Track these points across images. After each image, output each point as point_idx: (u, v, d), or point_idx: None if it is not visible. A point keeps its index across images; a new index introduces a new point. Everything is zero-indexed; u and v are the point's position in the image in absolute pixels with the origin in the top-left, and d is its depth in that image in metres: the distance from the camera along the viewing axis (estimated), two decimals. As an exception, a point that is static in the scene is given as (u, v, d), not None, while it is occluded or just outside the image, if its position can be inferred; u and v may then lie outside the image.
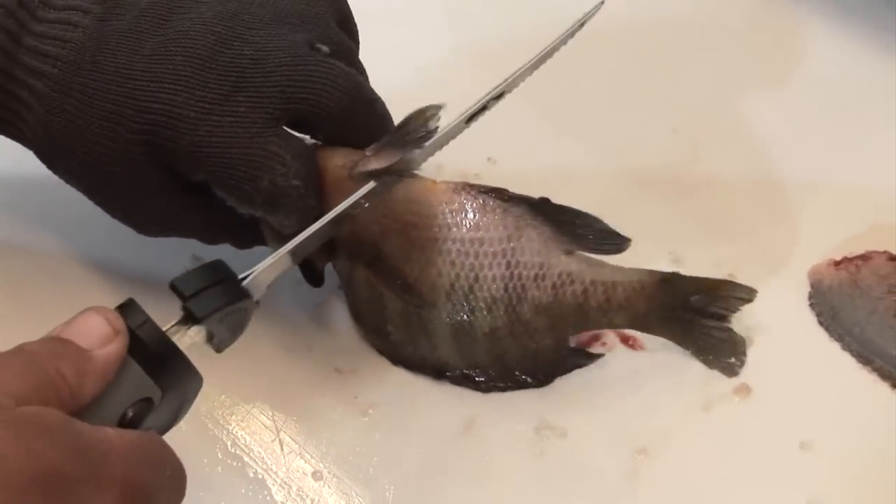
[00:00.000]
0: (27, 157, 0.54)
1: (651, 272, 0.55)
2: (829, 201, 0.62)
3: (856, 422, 0.54)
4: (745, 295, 0.56)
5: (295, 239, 0.48)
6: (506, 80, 0.54)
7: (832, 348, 0.57)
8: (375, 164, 0.51)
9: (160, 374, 0.40)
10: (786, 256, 0.60)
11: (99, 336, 0.39)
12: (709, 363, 0.56)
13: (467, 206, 0.53)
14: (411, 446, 0.55)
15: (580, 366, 0.57)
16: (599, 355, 0.57)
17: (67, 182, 0.55)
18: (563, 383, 0.56)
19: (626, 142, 0.66)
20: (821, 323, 0.58)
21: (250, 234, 0.55)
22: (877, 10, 0.71)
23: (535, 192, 0.60)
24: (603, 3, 0.57)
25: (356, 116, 0.52)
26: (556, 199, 0.61)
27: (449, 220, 0.53)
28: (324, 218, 0.49)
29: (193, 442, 0.55)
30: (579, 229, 0.54)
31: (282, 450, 0.55)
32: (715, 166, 0.64)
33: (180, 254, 0.60)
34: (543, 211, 0.54)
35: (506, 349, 0.56)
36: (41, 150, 0.53)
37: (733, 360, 0.56)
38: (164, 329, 0.41)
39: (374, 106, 0.53)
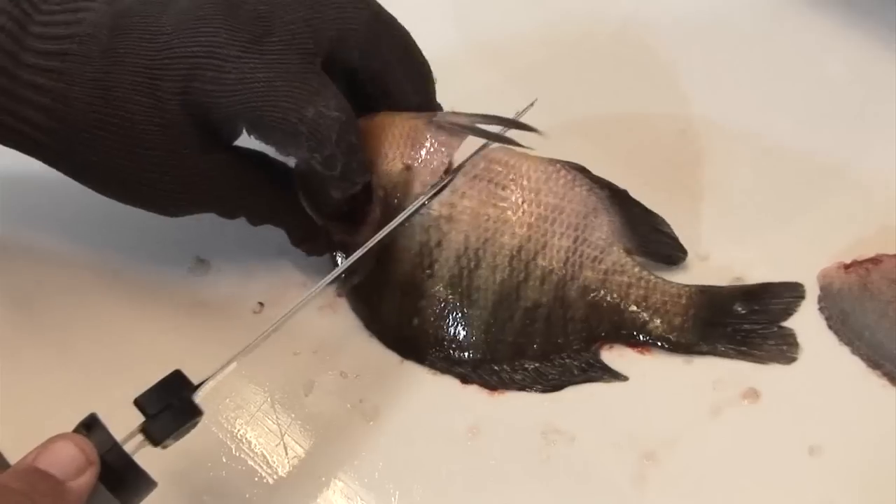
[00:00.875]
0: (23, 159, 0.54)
1: (692, 285, 0.57)
2: (838, 204, 0.62)
3: (865, 427, 0.54)
4: (790, 291, 0.57)
5: (247, 346, 0.50)
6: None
7: (842, 352, 0.56)
8: (456, 119, 0.55)
9: (122, 489, 0.44)
10: (795, 259, 0.59)
11: (74, 467, 0.42)
12: (764, 360, 0.56)
13: (560, 178, 0.56)
14: (417, 451, 0.54)
15: (596, 380, 0.56)
16: (624, 377, 0.56)
17: (80, 178, 0.54)
18: (569, 388, 0.56)
19: (633, 143, 0.66)
20: (830, 327, 0.57)
21: (277, 197, 0.56)
22: (887, 12, 0.70)
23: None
24: (536, 100, 0.59)
25: (382, 38, 0.54)
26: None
27: (540, 185, 0.56)
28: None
29: (198, 445, 0.54)
30: (645, 228, 0.57)
31: (286, 454, 0.55)
32: (723, 168, 0.64)
33: (183, 257, 0.61)
34: (621, 200, 0.57)
35: (534, 337, 0.56)
36: (52, 146, 0.53)
37: (786, 349, 0.56)
38: (122, 442, 0.44)
39: (396, 27, 0.55)
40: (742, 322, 0.56)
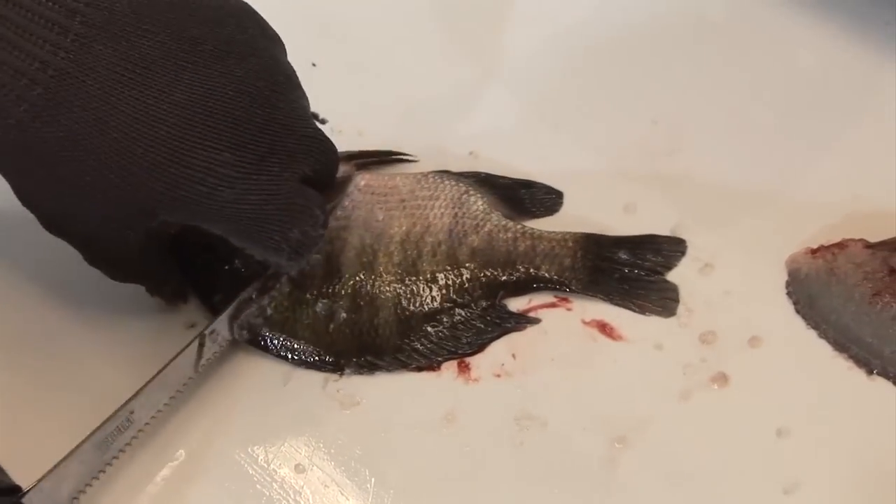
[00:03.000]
0: None
1: (577, 231, 0.61)
2: (805, 191, 0.63)
3: (832, 409, 0.55)
4: (672, 246, 0.60)
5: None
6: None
7: (809, 336, 0.57)
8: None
9: None
10: (764, 246, 0.60)
11: None
12: (645, 309, 0.59)
13: (427, 179, 0.63)
14: (393, 438, 0.55)
15: (512, 329, 0.59)
16: (535, 320, 0.59)
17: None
18: (542, 374, 0.57)
19: (606, 133, 0.67)
20: (798, 311, 0.58)
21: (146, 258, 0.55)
22: (857, 3, 0.71)
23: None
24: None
25: (332, 185, 0.57)
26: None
27: (413, 186, 0.62)
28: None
29: (175, 435, 0.56)
30: (518, 192, 0.64)
31: (265, 443, 0.55)
32: (694, 157, 0.65)
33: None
34: (487, 180, 0.64)
35: (441, 304, 0.59)
36: None
37: (668, 301, 0.59)
38: None
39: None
40: (626, 268, 0.60)
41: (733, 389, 0.56)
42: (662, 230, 0.61)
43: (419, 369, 0.58)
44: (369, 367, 0.58)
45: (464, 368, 0.57)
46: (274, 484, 0.54)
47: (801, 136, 0.65)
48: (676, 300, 0.59)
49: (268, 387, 0.57)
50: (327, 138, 0.54)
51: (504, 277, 0.60)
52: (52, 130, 0.47)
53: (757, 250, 0.60)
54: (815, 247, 0.59)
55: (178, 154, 0.48)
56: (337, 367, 0.58)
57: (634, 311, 0.59)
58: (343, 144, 0.66)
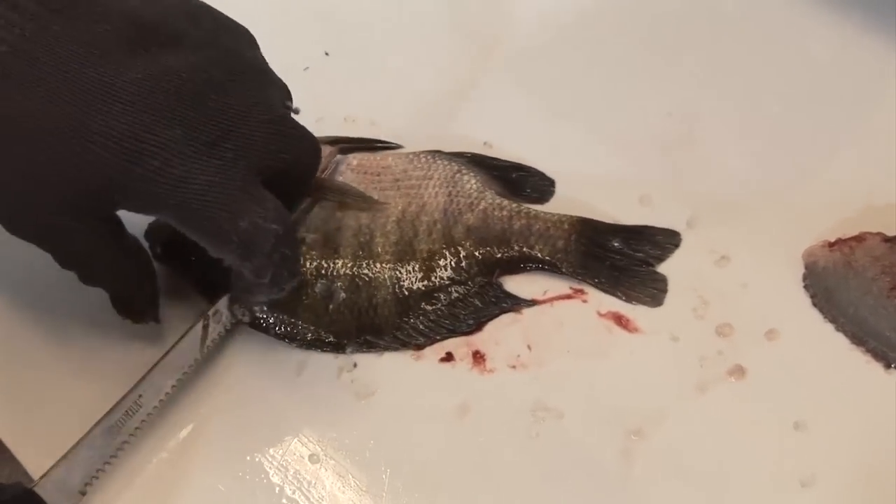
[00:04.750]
0: None
1: (573, 214, 0.61)
2: (823, 183, 0.62)
3: (849, 402, 0.54)
4: (667, 238, 0.60)
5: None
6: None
7: (826, 329, 0.57)
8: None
9: None
10: (780, 238, 0.60)
11: None
12: (632, 298, 0.59)
13: (420, 158, 0.63)
14: (407, 430, 0.55)
15: (508, 310, 0.59)
16: (531, 302, 0.59)
17: None
18: (558, 366, 0.57)
19: (622, 125, 0.66)
20: (815, 304, 0.58)
21: (118, 264, 0.54)
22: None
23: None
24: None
25: (311, 178, 0.57)
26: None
27: (406, 166, 0.63)
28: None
29: (185, 423, 0.55)
30: (511, 174, 0.64)
31: (280, 432, 0.55)
32: (710, 149, 0.65)
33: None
34: (481, 161, 0.64)
35: (438, 283, 0.59)
36: None
37: (657, 292, 0.59)
38: None
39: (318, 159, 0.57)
40: (618, 257, 0.60)
41: (750, 382, 0.55)
42: (678, 222, 0.61)
43: (419, 347, 0.58)
44: (369, 346, 0.58)
45: (479, 359, 0.57)
46: (287, 473, 0.54)
47: (817, 129, 0.65)
48: (665, 291, 0.59)
49: (281, 377, 0.57)
50: (298, 126, 0.53)
51: (499, 255, 0.60)
52: (5, 107, 0.46)
53: (773, 243, 0.60)
54: (832, 240, 0.58)
55: (133, 128, 0.47)
56: (337, 347, 0.58)
57: (622, 299, 0.59)
58: (356, 133, 0.66)
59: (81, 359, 0.58)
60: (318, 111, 0.67)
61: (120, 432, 0.52)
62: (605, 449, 0.54)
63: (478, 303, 0.59)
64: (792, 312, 0.57)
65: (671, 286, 0.59)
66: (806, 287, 0.58)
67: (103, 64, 0.48)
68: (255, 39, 0.55)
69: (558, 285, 0.60)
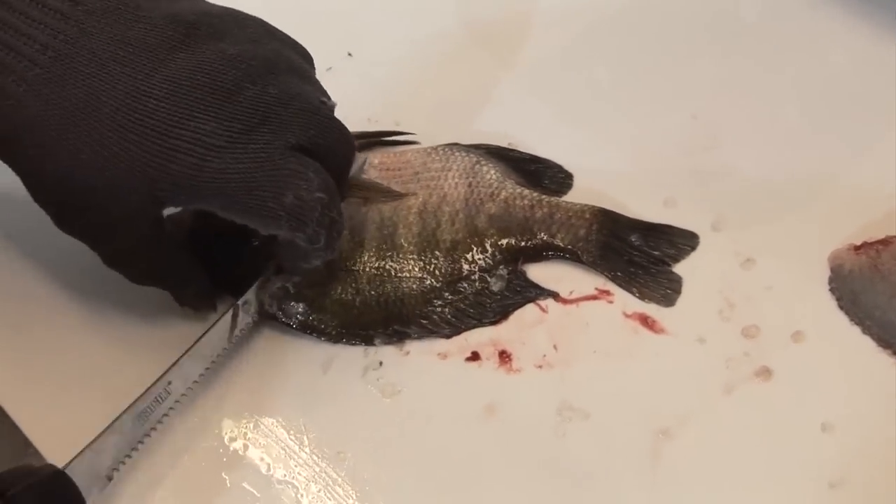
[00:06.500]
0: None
1: (595, 205, 0.61)
2: (848, 187, 0.62)
3: (876, 404, 0.54)
4: (685, 240, 0.60)
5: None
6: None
7: (852, 332, 0.57)
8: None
9: None
10: (806, 242, 0.60)
11: None
12: (646, 296, 0.59)
13: (438, 151, 0.64)
14: (433, 428, 0.55)
15: (532, 299, 0.59)
16: (553, 292, 0.59)
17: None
18: (584, 366, 0.57)
19: (645, 128, 0.66)
20: (841, 307, 0.58)
21: (169, 259, 0.55)
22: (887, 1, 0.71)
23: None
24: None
25: (348, 170, 0.56)
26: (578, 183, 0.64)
27: (424, 159, 0.63)
28: None
29: (221, 424, 0.55)
30: (529, 166, 0.64)
31: (305, 429, 0.55)
32: (735, 152, 0.65)
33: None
34: (498, 152, 0.64)
35: (462, 272, 0.60)
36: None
37: (671, 292, 0.59)
38: None
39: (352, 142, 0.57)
40: (636, 253, 0.60)
41: (777, 383, 0.55)
42: (703, 224, 0.61)
43: (447, 336, 0.58)
44: (398, 337, 0.58)
45: (505, 359, 0.57)
46: (313, 470, 0.54)
47: (842, 133, 0.65)
48: (679, 292, 0.59)
49: (307, 374, 0.57)
50: (335, 119, 0.54)
51: (523, 243, 0.60)
52: (48, 109, 0.48)
53: (799, 246, 0.60)
54: (858, 243, 0.59)
55: (167, 126, 0.48)
56: (366, 339, 0.58)
57: (636, 295, 0.59)
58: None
59: (110, 351, 0.58)
60: (341, 112, 0.66)
61: (148, 419, 0.52)
62: (631, 449, 0.54)
63: (503, 291, 0.59)
64: (818, 315, 0.58)
65: (698, 288, 0.59)
66: (832, 290, 0.58)
67: (139, 63, 0.49)
68: (310, 56, 0.56)
69: (584, 286, 0.60)
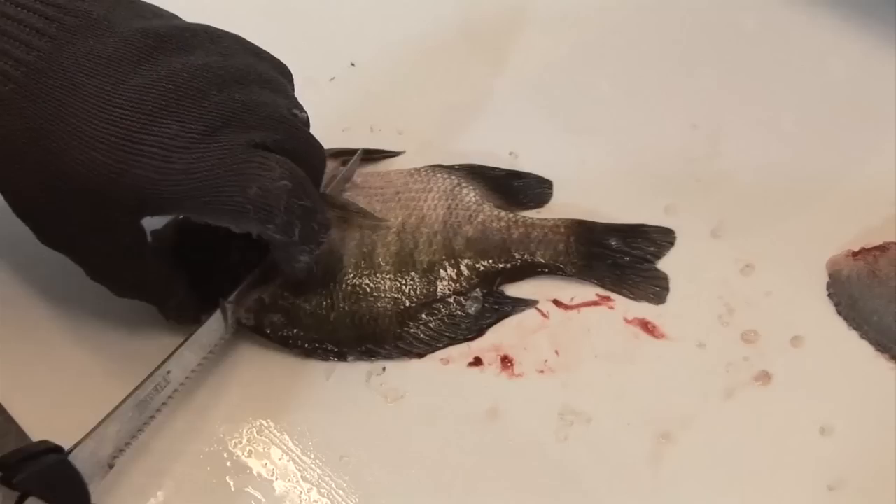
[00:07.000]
0: None
1: (568, 218, 0.62)
2: (846, 193, 0.63)
3: (874, 408, 0.55)
4: (661, 235, 0.62)
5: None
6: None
7: (851, 337, 0.58)
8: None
9: None
10: (804, 248, 0.60)
11: None
12: (637, 296, 0.60)
13: (420, 172, 0.64)
14: (436, 432, 0.56)
15: (509, 313, 0.60)
16: (532, 301, 0.60)
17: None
18: (585, 371, 0.57)
19: (646, 136, 0.67)
20: (839, 312, 0.58)
21: (150, 272, 0.55)
22: (886, 11, 0.72)
23: (556, 185, 0.65)
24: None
25: (318, 180, 0.57)
26: (575, 191, 0.65)
27: (406, 179, 0.64)
28: None
29: (221, 426, 0.56)
30: (509, 181, 0.65)
31: (308, 433, 0.56)
32: (734, 160, 0.65)
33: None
34: (479, 172, 0.65)
35: (438, 293, 0.60)
36: None
37: (659, 289, 0.60)
38: None
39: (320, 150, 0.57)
40: (619, 255, 0.61)
41: (776, 388, 0.56)
42: (703, 231, 0.62)
43: (420, 356, 0.58)
44: (370, 355, 0.58)
45: (507, 364, 0.58)
46: (315, 473, 0.54)
47: (839, 140, 0.66)
48: (667, 288, 0.60)
49: (311, 379, 0.58)
50: (304, 128, 0.54)
51: (500, 265, 0.61)
52: (20, 122, 0.48)
53: (797, 252, 0.60)
54: (856, 249, 0.59)
55: (132, 132, 0.49)
56: (339, 356, 0.58)
57: (628, 296, 0.60)
58: (381, 143, 0.67)
59: (110, 346, 0.59)
60: (344, 121, 0.68)
61: (148, 407, 0.53)
62: (632, 452, 0.54)
63: (478, 311, 0.60)
64: (816, 320, 0.58)
65: (698, 293, 0.60)
66: (830, 295, 0.59)
67: (108, 75, 0.50)
68: (289, 72, 0.56)
69: (585, 292, 0.60)
